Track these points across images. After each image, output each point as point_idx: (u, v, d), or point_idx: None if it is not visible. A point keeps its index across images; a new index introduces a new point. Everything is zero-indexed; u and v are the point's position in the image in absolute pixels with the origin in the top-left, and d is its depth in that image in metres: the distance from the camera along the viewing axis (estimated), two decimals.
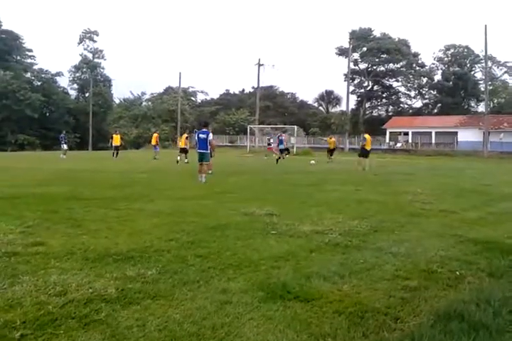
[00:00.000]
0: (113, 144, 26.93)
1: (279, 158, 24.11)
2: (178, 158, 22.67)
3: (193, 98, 76.04)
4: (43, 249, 4.88)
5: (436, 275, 4.41)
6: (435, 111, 69.16)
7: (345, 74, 60.22)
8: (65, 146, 28.37)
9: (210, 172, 13.79)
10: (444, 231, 6.37)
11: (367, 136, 19.68)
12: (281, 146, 25.88)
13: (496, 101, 62.68)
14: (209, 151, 13.14)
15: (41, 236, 5.51)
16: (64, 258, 4.57)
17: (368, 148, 19.31)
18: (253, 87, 67.40)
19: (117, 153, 26.31)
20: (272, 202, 8.60)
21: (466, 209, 8.52)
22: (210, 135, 13.24)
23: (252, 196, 9.53)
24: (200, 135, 13.05)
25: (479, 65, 64.97)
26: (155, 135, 28.87)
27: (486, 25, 35.49)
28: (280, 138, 26.60)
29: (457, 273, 4.47)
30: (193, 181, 13.01)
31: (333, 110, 76.50)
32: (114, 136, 27.28)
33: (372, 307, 3.54)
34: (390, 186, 12.38)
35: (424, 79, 70.50)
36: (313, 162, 18.07)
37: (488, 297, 3.77)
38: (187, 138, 23.24)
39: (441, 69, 69.38)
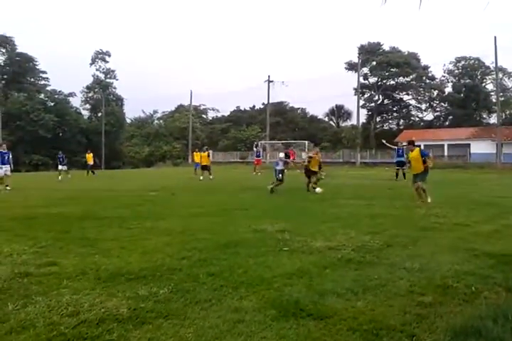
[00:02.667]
0: (88, 163, 27.82)
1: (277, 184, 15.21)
2: (201, 177, 22.65)
3: (204, 115, 76.69)
4: (55, 269, 4.90)
5: (451, 290, 4.34)
6: (446, 123, 68.70)
7: (355, 89, 60.21)
8: (64, 167, 25.69)
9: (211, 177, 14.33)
10: (459, 245, 6.29)
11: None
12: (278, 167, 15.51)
13: (507, 112, 62.14)
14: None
15: (54, 256, 5.54)
16: (76, 278, 4.58)
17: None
18: (263, 104, 67.62)
19: (92, 171, 27.14)
20: (283, 218, 8.56)
21: (480, 222, 8.41)
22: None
23: (263, 212, 9.51)
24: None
25: (490, 77, 64.62)
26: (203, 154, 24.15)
27: (495, 37, 35.45)
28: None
29: (473, 288, 4.39)
30: (203, 198, 13.04)
31: (343, 124, 76.53)
32: (87, 155, 27.81)
33: (387, 324, 3.49)
34: (402, 200, 12.26)
35: (435, 92, 70.23)
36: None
37: (506, 312, 3.69)
38: (208, 155, 23.46)
39: (452, 81, 69.11)
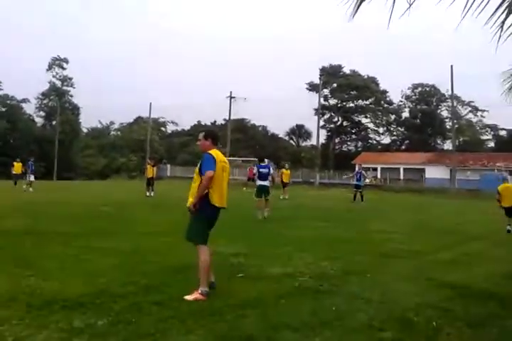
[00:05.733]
0: (13, 172, 25.78)
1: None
2: (148, 192, 21.60)
3: (163, 128, 75.74)
4: None
5: (412, 325, 4.12)
6: (403, 147, 70.60)
7: (315, 109, 61.06)
8: (31, 177, 23.72)
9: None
10: (418, 274, 6.13)
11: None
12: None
13: (461, 139, 64.50)
14: (269, 186, 13.14)
15: None
16: (5, 304, 4.09)
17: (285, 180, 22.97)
18: (225, 119, 67.58)
19: (14, 182, 25.07)
20: (240, 239, 8.24)
21: (439, 249, 8.34)
22: (271, 169, 13.67)
23: (219, 232, 9.06)
24: (261, 169, 13.24)
25: (445, 104, 67.11)
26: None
27: (451, 66, 36.57)
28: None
29: (434, 323, 4.18)
30: (156, 215, 12.56)
31: (303, 144, 77.33)
32: (15, 163, 26.25)
33: None
34: (361, 223, 12.18)
35: (392, 116, 72.22)
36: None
37: None
38: (154, 166, 22.31)
39: (409, 106, 71.29)
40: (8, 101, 62.34)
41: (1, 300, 4.19)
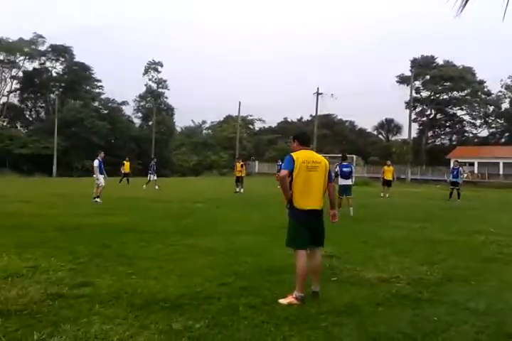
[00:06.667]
0: (123, 171, 27.19)
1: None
2: (237, 188, 22.30)
3: (251, 126, 76.94)
4: (89, 291, 4.65)
5: None
6: (502, 140, 66.00)
7: (406, 103, 58.84)
8: (154, 176, 24.08)
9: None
10: None
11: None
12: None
13: None
14: (352, 184, 13.40)
15: (90, 275, 5.32)
16: (109, 303, 4.31)
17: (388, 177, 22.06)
18: (311, 115, 67.22)
19: (127, 180, 26.34)
20: (331, 241, 7.98)
21: None
22: (353, 168, 13.91)
23: None
24: (345, 169, 13.26)
25: None
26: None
27: None
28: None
29: None
30: (248, 213, 12.70)
31: (393, 138, 74.91)
32: (125, 162, 27.42)
33: None
34: (459, 223, 11.49)
35: (491, 108, 67.69)
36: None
37: None
38: (242, 165, 22.84)
39: (509, 97, 66.44)
40: (110, 104, 66.65)
41: (106, 299, 4.41)
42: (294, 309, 4.29)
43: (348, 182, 13.08)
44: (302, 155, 4.71)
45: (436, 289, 5.20)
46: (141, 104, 70.46)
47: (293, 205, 4.67)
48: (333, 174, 5.12)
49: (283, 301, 4.48)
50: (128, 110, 70.09)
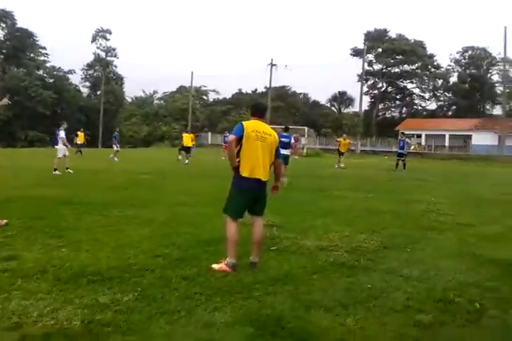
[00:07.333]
0: (77, 142, 26.48)
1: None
2: (179, 156, 21.98)
3: (204, 97, 75.68)
4: (13, 265, 4.39)
5: (453, 306, 3.85)
6: (450, 113, 67.96)
7: (359, 75, 59.33)
8: (117, 147, 23.87)
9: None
10: (462, 250, 5.79)
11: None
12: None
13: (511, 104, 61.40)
14: (289, 154, 13.75)
15: (17, 248, 5.03)
16: (33, 277, 4.07)
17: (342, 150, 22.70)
18: (266, 87, 66.69)
19: (79, 151, 25.61)
20: (274, 210, 7.92)
21: (486, 222, 7.90)
22: (292, 139, 14.42)
23: None
24: (283, 139, 13.22)
25: (496, 68, 63.61)
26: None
27: (505, 27, 34.52)
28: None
29: (477, 304, 3.90)
30: (196, 184, 12.52)
31: (345, 111, 75.63)
32: (79, 133, 26.68)
33: None
34: (402, 193, 11.77)
35: (440, 81, 69.26)
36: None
37: None
38: (197, 136, 22.69)
39: (458, 71, 68.07)
40: (55, 73, 63.74)
41: (31, 273, 4.17)
42: (228, 279, 4.21)
43: (285, 152, 13.27)
44: (252, 125, 4.64)
45: (373, 257, 5.26)
46: (89, 72, 67.86)
47: (238, 173, 4.57)
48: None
49: (215, 266, 4.49)
50: (75, 79, 67.42)
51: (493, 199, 11.15)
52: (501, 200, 10.93)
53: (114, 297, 3.66)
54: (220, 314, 3.45)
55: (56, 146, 15.31)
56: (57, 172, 14.44)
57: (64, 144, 15.07)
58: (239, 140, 4.52)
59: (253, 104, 5.19)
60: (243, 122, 4.65)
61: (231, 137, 4.55)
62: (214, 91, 75.71)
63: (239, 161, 4.58)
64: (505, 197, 11.70)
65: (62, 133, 15.17)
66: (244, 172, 4.54)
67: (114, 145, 24.06)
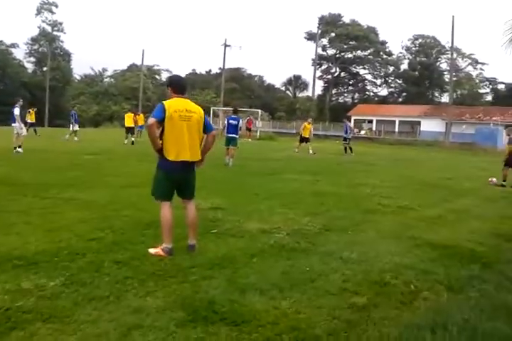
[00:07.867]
0: (28, 120, 25.24)
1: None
2: (126, 140, 21.35)
3: (157, 76, 74.04)
4: None
5: (388, 288, 3.89)
6: (400, 99, 69.54)
7: (313, 60, 59.60)
8: (76, 126, 22.82)
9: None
10: (401, 232, 5.89)
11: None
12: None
13: (459, 92, 63.42)
14: (238, 136, 13.96)
15: None
16: None
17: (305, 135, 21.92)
18: (220, 68, 65.90)
19: (34, 130, 24.70)
20: (221, 193, 7.92)
21: (425, 205, 8.09)
22: (241, 121, 14.73)
23: (200, 185, 8.74)
24: (231, 121, 13.89)
25: (445, 56, 65.45)
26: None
27: (453, 16, 35.34)
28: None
29: (412, 286, 3.97)
30: (141, 166, 12.21)
31: (300, 95, 75.98)
32: (31, 111, 25.57)
33: (312, 333, 2.98)
34: (349, 177, 11.92)
35: (391, 68, 70.59)
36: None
37: (446, 320, 3.26)
38: (138, 115, 22.22)
39: (408, 58, 69.52)
40: None
41: None
42: (163, 263, 4.09)
43: (234, 135, 13.74)
44: (175, 104, 4.37)
45: (314, 239, 5.25)
46: (34, 47, 64.62)
47: (163, 156, 4.35)
48: (212, 124, 4.83)
49: (151, 250, 4.36)
50: (19, 53, 64.16)
51: (435, 183, 11.47)
52: (443, 185, 11.25)
53: (39, 282, 3.47)
54: (152, 299, 3.34)
55: (13, 124, 14.71)
56: (19, 150, 13.98)
57: (18, 122, 14.50)
58: (160, 122, 4.26)
59: (173, 80, 4.83)
60: (164, 102, 4.37)
61: (150, 120, 4.22)
62: (167, 70, 74.24)
63: (162, 143, 4.34)
64: (446, 181, 12.06)
65: (16, 111, 14.61)
66: (170, 156, 4.32)
67: (70, 125, 23.02)
